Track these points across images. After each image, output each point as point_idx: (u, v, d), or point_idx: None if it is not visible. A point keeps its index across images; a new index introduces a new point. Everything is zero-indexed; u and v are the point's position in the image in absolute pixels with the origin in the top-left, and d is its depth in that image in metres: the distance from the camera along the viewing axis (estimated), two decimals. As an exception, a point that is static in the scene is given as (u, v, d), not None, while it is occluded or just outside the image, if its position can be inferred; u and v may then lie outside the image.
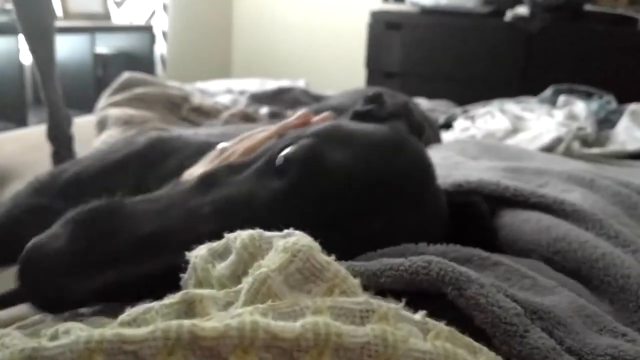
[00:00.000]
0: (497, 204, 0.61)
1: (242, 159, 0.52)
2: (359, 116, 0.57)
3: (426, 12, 2.31)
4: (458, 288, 0.34)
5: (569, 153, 1.23)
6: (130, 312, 0.25)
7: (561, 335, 0.37)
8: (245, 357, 0.22)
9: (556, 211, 0.58)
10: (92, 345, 0.22)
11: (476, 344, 0.26)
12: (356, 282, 0.27)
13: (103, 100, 1.39)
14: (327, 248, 0.31)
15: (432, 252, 0.42)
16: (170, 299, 0.25)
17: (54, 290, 0.35)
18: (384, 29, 2.36)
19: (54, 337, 0.23)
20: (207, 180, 0.45)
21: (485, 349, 0.26)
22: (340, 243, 0.35)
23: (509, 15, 2.12)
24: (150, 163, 0.66)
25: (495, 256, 0.46)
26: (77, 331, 0.22)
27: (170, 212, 0.41)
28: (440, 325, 0.26)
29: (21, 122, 2.27)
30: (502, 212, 0.61)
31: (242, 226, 0.36)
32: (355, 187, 0.43)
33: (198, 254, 0.31)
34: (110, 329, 0.23)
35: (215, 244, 0.30)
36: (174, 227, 0.39)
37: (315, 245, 0.28)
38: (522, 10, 2.10)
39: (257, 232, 0.29)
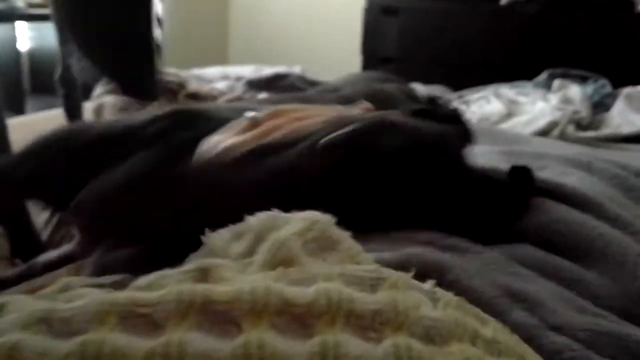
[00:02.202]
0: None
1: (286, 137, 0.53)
2: (414, 113, 0.60)
3: (422, -3, 2.30)
4: (440, 273, 0.37)
5: (563, 137, 1.23)
6: (146, 278, 0.25)
7: (543, 315, 0.38)
8: (257, 321, 0.22)
9: (556, 194, 0.58)
10: (105, 308, 0.22)
11: (484, 314, 0.26)
12: (369, 256, 0.27)
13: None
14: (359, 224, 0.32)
15: (421, 240, 0.45)
16: (186, 267, 0.25)
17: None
18: (379, 14, 2.34)
19: (68, 300, 0.23)
20: (255, 154, 0.46)
21: (492, 319, 0.26)
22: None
23: (504, -1, 2.12)
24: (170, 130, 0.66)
25: (479, 247, 0.48)
26: (92, 294, 0.22)
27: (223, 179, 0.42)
28: (450, 295, 0.26)
29: (19, 111, 2.25)
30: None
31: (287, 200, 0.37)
32: (395, 174, 0.46)
33: (218, 236, 0.31)
34: (124, 293, 0.23)
35: (236, 226, 0.30)
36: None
37: (331, 220, 0.28)
38: (518, -6, 2.10)
39: (274, 212, 0.29)
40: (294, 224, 0.27)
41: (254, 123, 0.56)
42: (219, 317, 0.22)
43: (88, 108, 1.26)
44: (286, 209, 0.34)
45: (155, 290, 0.23)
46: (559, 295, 0.42)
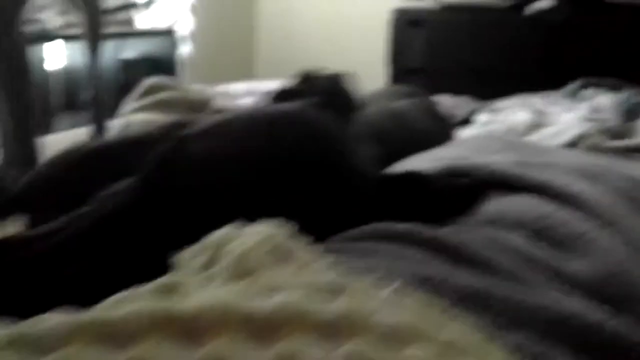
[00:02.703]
0: (488, 189, 0.62)
1: None
2: (282, 95, 0.57)
3: (447, 8, 2.29)
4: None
5: (594, 147, 1.21)
6: (113, 298, 0.26)
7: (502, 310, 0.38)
8: (225, 331, 0.23)
9: (543, 192, 0.59)
10: (73, 327, 0.23)
11: (452, 311, 0.27)
12: (326, 261, 0.28)
13: (127, 105, 1.43)
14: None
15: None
16: (151, 285, 0.27)
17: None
18: (405, 26, 2.35)
19: (36, 322, 0.24)
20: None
21: (455, 320, 0.27)
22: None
23: (529, 8, 2.09)
24: None
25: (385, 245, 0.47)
26: (57, 317, 0.24)
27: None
28: (416, 295, 0.27)
29: (46, 130, 2.34)
30: (491, 194, 0.62)
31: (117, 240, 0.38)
32: (217, 173, 0.42)
33: (185, 253, 0.32)
34: (89, 313, 0.24)
35: (200, 242, 0.32)
36: None
37: (285, 231, 0.29)
38: (543, 3, 2.07)
39: (228, 227, 0.31)
40: (251, 237, 0.29)
41: None
42: (185, 330, 0.23)
43: (116, 125, 1.31)
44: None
45: (126, 306, 0.24)
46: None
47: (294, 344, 0.23)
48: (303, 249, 0.28)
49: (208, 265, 0.28)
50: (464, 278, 0.39)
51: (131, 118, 1.35)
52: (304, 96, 0.54)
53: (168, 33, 3.03)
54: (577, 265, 0.46)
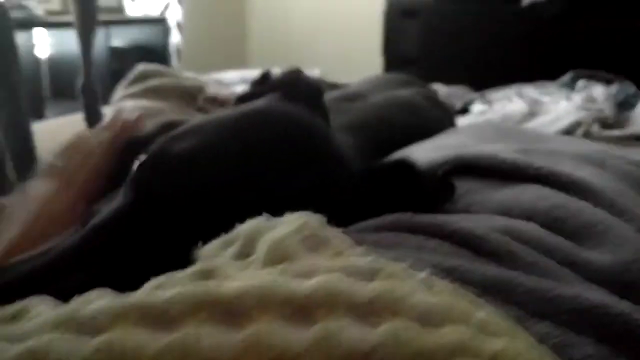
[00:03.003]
0: (495, 177, 0.62)
1: None
2: (241, 100, 0.56)
3: (442, -2, 2.30)
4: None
5: (588, 136, 1.22)
6: (154, 280, 0.26)
7: (524, 301, 0.38)
8: (265, 312, 0.23)
9: (553, 183, 0.58)
10: (126, 307, 0.23)
11: (479, 299, 0.27)
12: (362, 248, 0.29)
13: (118, 92, 1.41)
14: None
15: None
16: (189, 270, 0.26)
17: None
18: (399, 17, 2.35)
19: (87, 302, 0.24)
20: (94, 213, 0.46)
21: (486, 304, 0.27)
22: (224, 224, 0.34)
23: (525, 0, 2.10)
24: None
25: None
26: (108, 296, 0.24)
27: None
28: (445, 283, 0.27)
29: (38, 116, 2.32)
30: (500, 184, 0.61)
31: (113, 249, 0.38)
32: (205, 173, 0.42)
33: (207, 247, 0.32)
34: (140, 294, 0.24)
35: (225, 235, 0.31)
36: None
37: (322, 219, 0.29)
38: (539, -6, 2.08)
39: (263, 217, 0.30)
40: (286, 225, 0.29)
41: None
42: (231, 309, 0.23)
43: (107, 113, 1.29)
44: None
45: (167, 290, 0.24)
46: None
47: (333, 324, 0.23)
48: (337, 237, 0.28)
49: (240, 255, 0.28)
50: (488, 269, 0.39)
51: (122, 105, 1.34)
52: (265, 95, 0.53)
53: (160, 21, 2.99)
54: (594, 255, 0.46)
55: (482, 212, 0.57)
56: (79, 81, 1.15)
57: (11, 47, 0.87)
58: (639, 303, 0.39)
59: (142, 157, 0.44)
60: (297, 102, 0.51)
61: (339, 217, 0.39)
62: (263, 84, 0.59)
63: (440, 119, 1.04)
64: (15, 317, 0.25)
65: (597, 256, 0.46)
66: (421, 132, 0.93)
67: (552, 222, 0.52)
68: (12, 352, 0.21)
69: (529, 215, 0.54)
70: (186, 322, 0.23)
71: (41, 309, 0.25)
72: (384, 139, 0.84)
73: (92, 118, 1.16)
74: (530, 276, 0.39)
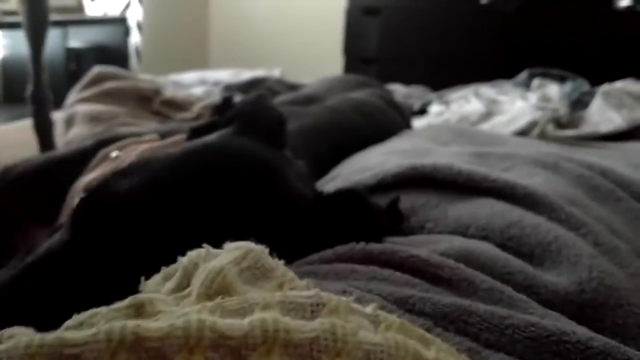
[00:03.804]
0: (451, 189, 0.62)
1: None
2: (197, 132, 0.55)
3: (402, -4, 2.31)
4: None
5: (543, 136, 1.24)
6: (76, 317, 0.25)
7: (476, 333, 0.38)
8: (191, 357, 0.22)
9: (509, 196, 0.58)
10: (32, 350, 0.21)
11: (428, 335, 0.26)
12: (304, 282, 0.27)
13: (72, 96, 1.37)
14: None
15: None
16: (119, 304, 0.25)
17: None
18: (361, 14, 2.35)
19: None
20: (32, 248, 0.44)
21: (438, 340, 0.26)
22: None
23: (483, -1, 2.13)
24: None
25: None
26: (20, 336, 0.22)
27: None
28: (392, 318, 0.26)
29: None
30: (456, 197, 0.61)
31: (47, 287, 0.37)
32: (148, 213, 0.41)
33: (151, 281, 0.30)
34: (52, 333, 0.22)
35: (167, 268, 0.30)
36: None
37: (264, 249, 0.28)
38: (497, -7, 2.12)
39: (204, 248, 0.29)
40: (227, 254, 0.27)
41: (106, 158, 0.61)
42: (152, 354, 0.22)
43: (59, 118, 1.25)
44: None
45: (85, 329, 0.22)
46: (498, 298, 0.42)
47: (272, 365, 0.22)
48: (279, 268, 0.27)
49: (178, 288, 0.27)
50: (441, 299, 0.38)
51: (75, 109, 1.30)
52: (222, 127, 0.52)
53: (120, 21, 2.92)
54: (550, 278, 0.46)
55: (438, 229, 0.57)
56: (29, 87, 1.10)
57: None
58: (596, 323, 0.39)
59: (82, 195, 0.43)
60: (256, 134, 0.50)
61: (290, 250, 0.38)
62: (224, 111, 0.57)
63: (395, 121, 1.04)
64: None
65: (553, 278, 0.46)
66: (376, 135, 0.93)
67: (508, 241, 0.52)
68: None
69: (484, 235, 0.54)
70: None
71: None
72: (339, 143, 0.84)
73: (42, 125, 1.11)
74: (484, 304, 0.39)
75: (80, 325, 0.24)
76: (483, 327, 0.36)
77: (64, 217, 0.62)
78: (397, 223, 0.56)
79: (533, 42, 2.10)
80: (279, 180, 0.48)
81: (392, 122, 1.02)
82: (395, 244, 0.49)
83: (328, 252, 0.47)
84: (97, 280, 0.37)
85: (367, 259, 0.45)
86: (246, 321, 0.23)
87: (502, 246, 0.52)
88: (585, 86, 1.53)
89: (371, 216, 0.52)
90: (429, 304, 0.37)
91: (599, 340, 0.35)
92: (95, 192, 0.42)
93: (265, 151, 0.49)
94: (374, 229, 0.51)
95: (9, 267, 0.42)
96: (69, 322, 0.25)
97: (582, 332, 0.36)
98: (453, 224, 0.57)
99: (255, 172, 0.46)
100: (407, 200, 0.62)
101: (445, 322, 0.36)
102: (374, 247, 0.46)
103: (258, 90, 1.56)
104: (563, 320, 0.39)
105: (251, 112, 0.54)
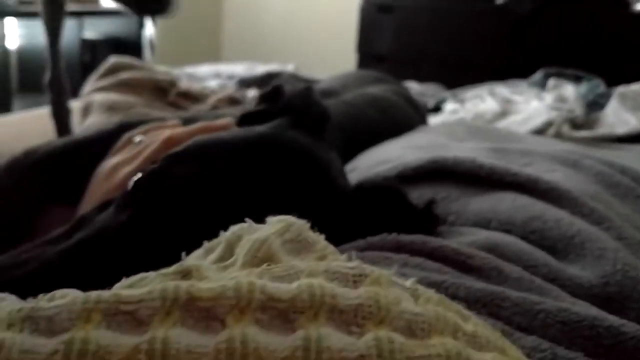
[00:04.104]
0: (472, 182, 0.61)
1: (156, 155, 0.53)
2: (246, 119, 0.56)
3: (417, -5, 2.31)
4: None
5: (559, 136, 1.24)
6: (125, 280, 0.25)
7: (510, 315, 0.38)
8: (241, 317, 0.22)
9: (530, 190, 0.58)
10: (89, 305, 0.22)
11: (465, 311, 0.27)
12: (344, 256, 0.28)
13: (88, 85, 1.38)
14: None
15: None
16: (166, 269, 0.25)
17: None
18: (375, 12, 2.35)
19: (50, 299, 0.23)
20: (78, 223, 0.45)
21: (474, 316, 0.27)
22: None
23: (499, -2, 2.13)
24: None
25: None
26: (75, 294, 0.23)
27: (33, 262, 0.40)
28: (431, 292, 0.26)
29: (5, 109, 2.24)
30: (477, 191, 0.61)
31: (100, 264, 0.37)
32: (206, 198, 0.42)
33: (192, 255, 0.31)
34: (108, 291, 0.23)
35: (210, 242, 0.31)
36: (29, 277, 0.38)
37: (306, 224, 0.29)
38: (513, -7, 2.11)
39: (246, 222, 0.30)
40: (270, 226, 0.28)
41: (129, 142, 0.62)
42: (203, 313, 0.22)
43: (76, 107, 1.26)
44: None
45: (138, 289, 0.23)
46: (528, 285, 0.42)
47: (320, 329, 0.22)
48: (320, 242, 0.28)
49: (221, 260, 0.27)
50: (474, 284, 0.39)
51: (91, 98, 1.31)
52: (272, 117, 0.53)
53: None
54: (574, 271, 0.46)
55: (460, 222, 0.57)
56: (46, 74, 1.11)
57: None
58: (620, 315, 0.39)
59: (139, 175, 0.44)
60: (305, 127, 0.51)
61: (329, 239, 0.39)
62: (272, 99, 0.58)
63: (411, 117, 1.04)
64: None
65: (578, 272, 0.46)
66: (391, 130, 0.93)
67: (530, 234, 0.52)
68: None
69: (507, 227, 0.54)
70: (155, 324, 0.22)
71: (1, 304, 0.24)
72: (354, 137, 0.84)
73: (59, 112, 1.12)
74: (516, 291, 0.39)
75: (132, 286, 0.24)
76: (515, 311, 0.36)
77: (89, 198, 0.63)
78: (432, 223, 0.56)
79: (547, 43, 2.09)
80: (327, 174, 0.49)
81: (407, 118, 1.03)
82: (423, 235, 0.49)
83: (360, 242, 0.47)
84: (150, 260, 0.38)
85: (399, 248, 0.45)
86: (294, 285, 0.24)
87: (525, 239, 0.52)
88: (601, 87, 1.53)
89: (410, 212, 0.53)
90: (462, 288, 0.37)
91: (631, 326, 0.35)
92: (155, 174, 0.43)
93: (314, 145, 0.50)
94: (411, 224, 0.52)
95: (48, 244, 0.42)
96: (119, 284, 0.25)
97: (614, 318, 0.36)
98: (474, 217, 0.57)
99: (307, 165, 0.47)
100: (428, 194, 0.62)
101: (478, 305, 0.36)
102: (405, 237, 0.47)
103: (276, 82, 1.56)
104: (594, 309, 0.39)
105: (301, 104, 0.54)
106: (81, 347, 0.20)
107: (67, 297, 0.22)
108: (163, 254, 0.37)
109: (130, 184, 0.44)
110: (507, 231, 0.54)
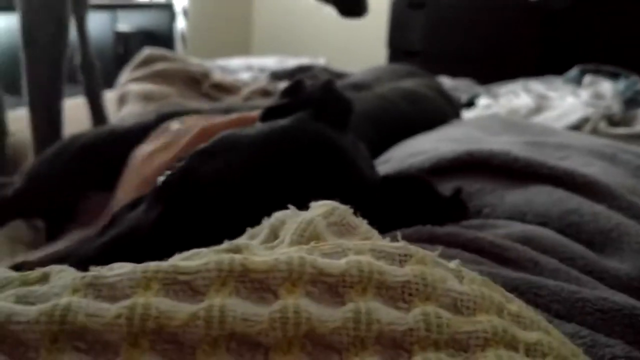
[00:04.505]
0: (508, 175, 0.61)
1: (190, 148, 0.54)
2: (269, 113, 0.56)
3: (449, -10, 2.28)
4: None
5: (595, 132, 1.22)
6: (179, 255, 0.26)
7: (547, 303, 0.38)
8: (293, 289, 0.23)
9: (567, 183, 0.57)
10: (149, 274, 0.23)
11: (508, 293, 0.27)
12: (389, 237, 0.28)
13: (124, 75, 1.41)
14: None
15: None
16: (217, 247, 0.26)
17: None
18: (406, 8, 2.34)
19: (110, 269, 0.24)
20: (111, 221, 0.46)
21: (516, 298, 0.27)
22: None
23: (534, -7, 2.09)
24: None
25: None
26: (131, 266, 0.24)
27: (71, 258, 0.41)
28: (474, 274, 0.27)
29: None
30: (512, 184, 0.60)
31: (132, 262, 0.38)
32: (235, 194, 0.42)
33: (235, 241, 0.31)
34: (166, 262, 0.24)
35: (254, 229, 0.32)
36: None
37: (349, 209, 0.29)
38: (548, -12, 2.07)
39: (290, 209, 0.30)
40: (315, 209, 0.28)
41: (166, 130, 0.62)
42: (257, 285, 0.23)
43: (112, 97, 1.28)
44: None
45: (194, 261, 0.24)
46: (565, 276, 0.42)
47: (365, 305, 0.23)
48: (365, 225, 0.28)
49: (267, 242, 0.28)
50: (511, 273, 0.39)
51: (127, 88, 1.33)
52: (295, 111, 0.53)
53: (166, 6, 2.98)
54: (613, 264, 0.46)
55: (495, 214, 0.56)
56: (77, 59, 1.14)
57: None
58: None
59: (168, 173, 0.45)
60: (328, 119, 0.51)
61: None
62: (294, 94, 0.58)
63: (444, 111, 1.03)
64: (37, 282, 0.25)
65: (616, 264, 0.45)
66: (425, 123, 0.93)
67: (566, 228, 0.51)
68: (31, 313, 0.21)
69: (543, 221, 0.53)
70: (211, 293, 0.23)
71: (62, 275, 0.25)
72: (387, 130, 0.84)
73: (93, 97, 1.15)
74: (554, 280, 0.39)
75: (189, 258, 0.25)
76: (553, 299, 0.36)
77: (124, 184, 0.64)
78: (460, 212, 0.56)
79: (582, 39, 2.05)
80: (352, 166, 0.49)
81: (441, 111, 1.02)
82: (458, 227, 0.49)
83: (393, 233, 0.47)
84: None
85: (433, 240, 0.45)
86: (343, 261, 0.24)
87: (561, 233, 0.51)
88: (639, 84, 1.49)
89: (438, 202, 0.53)
90: (499, 277, 0.37)
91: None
92: (183, 171, 0.44)
93: (338, 137, 0.50)
94: (439, 214, 0.52)
95: (88, 240, 0.44)
96: (174, 257, 0.26)
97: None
98: (510, 210, 0.57)
99: (331, 158, 0.48)
100: (463, 186, 0.62)
101: (516, 293, 0.36)
102: (439, 229, 0.47)
103: (307, 75, 1.57)
104: (631, 300, 0.39)
105: (323, 97, 0.54)
106: (143, 312, 0.21)
107: (126, 267, 0.24)
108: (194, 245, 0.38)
109: (160, 180, 0.45)
110: (543, 224, 0.53)
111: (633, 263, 0.45)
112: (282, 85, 1.55)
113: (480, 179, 0.63)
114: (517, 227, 0.51)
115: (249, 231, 0.31)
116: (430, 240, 0.46)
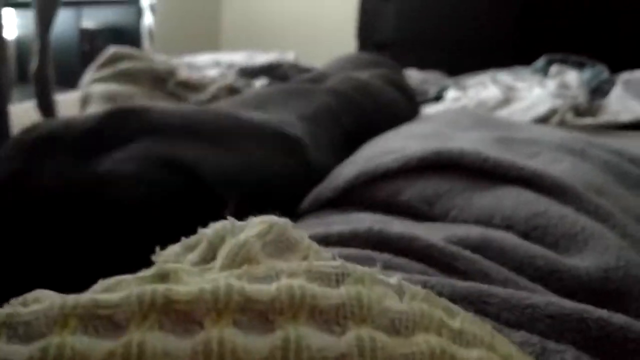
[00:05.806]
0: (477, 175, 0.60)
1: None
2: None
3: (418, -19, 2.28)
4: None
5: (562, 124, 1.23)
6: (102, 283, 0.25)
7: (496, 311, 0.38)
8: (219, 319, 0.22)
9: (535, 185, 0.57)
10: (66, 311, 0.22)
11: (453, 306, 0.26)
12: (329, 254, 0.28)
13: (88, 76, 1.38)
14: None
15: None
16: (144, 272, 0.25)
17: None
18: (375, -1, 2.33)
19: (24, 304, 0.23)
20: None
21: (462, 311, 0.26)
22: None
23: (501, -17, 2.10)
24: (106, 140, 0.65)
25: None
26: (49, 298, 0.22)
27: None
28: (416, 288, 0.26)
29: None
30: (481, 184, 0.59)
31: None
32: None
33: (167, 251, 0.30)
34: (85, 295, 0.23)
35: (187, 239, 0.30)
36: None
37: (288, 222, 0.28)
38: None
39: (230, 220, 0.29)
40: (251, 228, 0.27)
41: None
42: (181, 316, 0.22)
43: (75, 97, 1.25)
44: None
45: (115, 293, 0.23)
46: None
47: (299, 329, 0.22)
48: (303, 241, 0.27)
49: (202, 262, 0.27)
50: (459, 282, 0.38)
51: (91, 89, 1.30)
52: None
53: (133, 2, 2.92)
54: (574, 262, 0.45)
55: (462, 217, 0.55)
56: (32, 65, 1.10)
57: None
58: (620, 311, 0.38)
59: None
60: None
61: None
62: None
63: (396, 104, 1.03)
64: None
65: (577, 262, 0.45)
66: (374, 116, 0.92)
67: (532, 231, 0.51)
68: None
69: (509, 224, 0.53)
70: (132, 327, 0.22)
71: None
72: (340, 130, 0.84)
73: (45, 104, 1.11)
74: (502, 288, 0.39)
75: (109, 290, 0.24)
76: (503, 307, 0.36)
77: None
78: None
79: (550, 28, 2.07)
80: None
81: (390, 103, 1.02)
82: (414, 230, 0.48)
83: (346, 232, 0.47)
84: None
85: (383, 244, 0.45)
86: (273, 286, 0.23)
87: (526, 235, 0.51)
88: (604, 73, 1.51)
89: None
90: (447, 287, 0.37)
91: (619, 317, 0.35)
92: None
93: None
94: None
95: None
96: (95, 287, 0.25)
97: (603, 311, 0.36)
98: (477, 212, 0.56)
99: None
100: (431, 186, 0.61)
101: (465, 303, 0.36)
102: (392, 232, 0.46)
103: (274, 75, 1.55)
104: (581, 305, 0.39)
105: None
106: (57, 353, 0.20)
107: (43, 301, 0.22)
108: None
109: None
110: (510, 227, 0.53)
111: (595, 262, 0.45)
112: (257, 82, 1.53)
113: (450, 179, 0.63)
114: (476, 231, 0.51)
115: (183, 242, 0.30)
116: (379, 246, 0.45)
